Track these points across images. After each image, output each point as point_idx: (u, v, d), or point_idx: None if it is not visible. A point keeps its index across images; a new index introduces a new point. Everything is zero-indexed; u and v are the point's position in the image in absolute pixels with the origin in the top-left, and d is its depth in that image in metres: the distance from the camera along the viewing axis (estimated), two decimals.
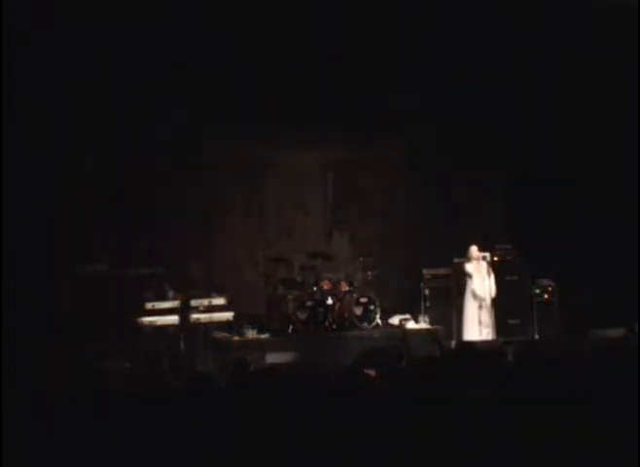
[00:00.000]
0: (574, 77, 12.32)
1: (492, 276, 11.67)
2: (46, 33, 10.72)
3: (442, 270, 12.54)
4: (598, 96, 12.18)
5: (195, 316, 10.93)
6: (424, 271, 12.60)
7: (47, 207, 11.13)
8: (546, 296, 12.54)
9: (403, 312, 12.25)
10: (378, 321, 11.93)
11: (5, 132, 10.58)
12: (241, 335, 11.27)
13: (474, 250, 11.69)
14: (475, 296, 11.60)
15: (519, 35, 12.20)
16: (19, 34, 10.38)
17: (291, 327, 11.56)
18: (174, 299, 11.06)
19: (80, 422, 4.97)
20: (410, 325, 12.10)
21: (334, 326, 11.70)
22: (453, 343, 11.16)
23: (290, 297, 11.82)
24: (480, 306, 11.57)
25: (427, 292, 12.45)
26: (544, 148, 12.81)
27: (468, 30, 11.93)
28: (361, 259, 12.42)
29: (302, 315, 11.59)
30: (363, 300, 11.88)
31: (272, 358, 10.49)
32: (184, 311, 10.89)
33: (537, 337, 12.13)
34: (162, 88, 11.62)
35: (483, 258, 11.66)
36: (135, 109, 11.65)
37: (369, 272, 12.27)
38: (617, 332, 9.58)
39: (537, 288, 12.54)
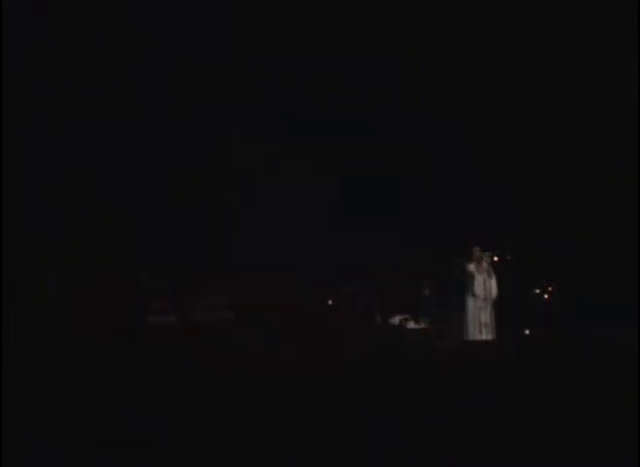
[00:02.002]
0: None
1: (494, 277, 11.65)
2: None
3: (443, 270, 12.53)
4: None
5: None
6: (425, 271, 12.59)
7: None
8: (546, 296, 12.54)
9: (403, 312, 12.25)
10: (378, 321, 11.92)
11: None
12: None
13: (476, 251, 11.68)
14: (476, 296, 11.59)
15: None
16: None
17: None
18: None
19: None
20: (411, 325, 12.09)
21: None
22: (454, 343, 11.14)
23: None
24: (481, 307, 11.56)
25: (427, 292, 12.45)
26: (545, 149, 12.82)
27: None
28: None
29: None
30: (363, 299, 11.89)
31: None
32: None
33: (537, 336, 12.11)
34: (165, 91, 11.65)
35: (485, 258, 11.64)
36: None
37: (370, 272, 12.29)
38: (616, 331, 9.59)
39: (537, 288, 12.54)
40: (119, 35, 11.13)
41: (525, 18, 12.22)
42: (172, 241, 12.09)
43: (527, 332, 12.11)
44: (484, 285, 11.48)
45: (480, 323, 11.47)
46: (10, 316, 9.94)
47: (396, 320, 12.23)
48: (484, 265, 11.65)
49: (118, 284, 11.11)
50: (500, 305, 11.76)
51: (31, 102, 10.92)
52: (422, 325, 12.17)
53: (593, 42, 12.12)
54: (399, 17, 11.91)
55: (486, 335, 11.38)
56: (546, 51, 12.43)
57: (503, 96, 12.77)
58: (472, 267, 11.67)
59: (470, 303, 11.64)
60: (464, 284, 11.78)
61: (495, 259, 12.05)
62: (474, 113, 12.94)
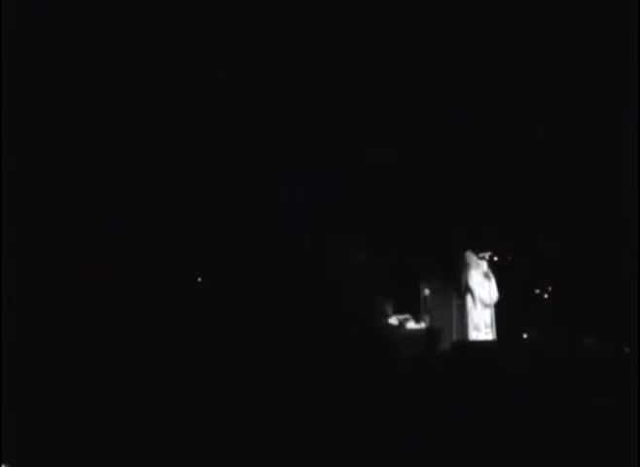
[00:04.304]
0: None
1: (493, 279, 11.66)
2: None
3: (441, 270, 12.54)
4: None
5: None
6: (424, 271, 12.60)
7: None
8: (546, 296, 12.56)
9: (402, 312, 12.26)
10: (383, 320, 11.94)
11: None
12: None
13: (469, 254, 11.70)
14: (475, 296, 11.61)
15: None
16: None
17: None
18: None
19: None
20: (410, 325, 12.10)
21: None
22: (454, 344, 11.15)
23: None
24: (481, 307, 11.58)
25: (427, 292, 12.46)
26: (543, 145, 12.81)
27: None
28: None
29: None
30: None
31: None
32: None
33: (537, 337, 12.12)
34: None
35: (482, 258, 11.67)
36: None
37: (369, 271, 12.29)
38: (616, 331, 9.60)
39: (537, 288, 12.56)
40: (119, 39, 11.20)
41: (523, 17, 12.24)
42: (172, 241, 12.11)
43: (526, 335, 12.14)
44: (484, 286, 11.51)
45: (479, 324, 11.50)
46: (9, 316, 9.96)
47: (395, 320, 12.25)
48: (483, 265, 11.68)
49: (118, 284, 11.12)
50: (500, 306, 11.79)
51: (31, 102, 10.95)
52: (422, 325, 12.19)
53: (592, 42, 12.12)
54: (394, 17, 11.95)
55: (486, 335, 11.41)
56: (542, 50, 12.44)
57: (504, 92, 12.75)
58: (472, 267, 11.70)
59: (470, 303, 11.67)
60: (464, 285, 11.81)
61: (495, 259, 12.07)
62: (471, 108, 12.93)
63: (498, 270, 11.99)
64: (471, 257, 11.72)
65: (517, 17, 12.05)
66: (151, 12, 11.30)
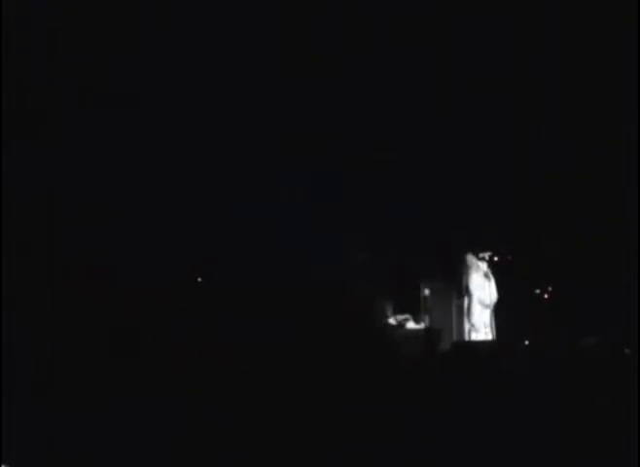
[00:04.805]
0: None
1: (493, 280, 11.66)
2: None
3: (441, 270, 12.54)
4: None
5: None
6: (424, 271, 12.61)
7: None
8: (546, 296, 12.55)
9: (402, 312, 12.26)
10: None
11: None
12: None
13: (469, 257, 11.70)
14: (475, 297, 11.60)
15: None
16: None
17: None
18: None
19: None
20: (410, 325, 12.11)
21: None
22: (453, 344, 11.15)
23: None
24: (481, 308, 11.57)
25: (427, 292, 12.47)
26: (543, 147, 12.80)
27: None
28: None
29: None
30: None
31: None
32: None
33: (537, 337, 12.11)
34: None
35: (482, 259, 11.66)
36: None
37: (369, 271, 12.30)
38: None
39: (537, 288, 12.55)
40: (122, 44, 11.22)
41: (523, 17, 12.24)
42: (172, 241, 12.11)
43: (526, 335, 12.13)
44: (484, 287, 11.50)
45: (479, 324, 11.50)
46: (9, 316, 9.95)
47: (395, 320, 12.25)
48: (483, 266, 11.68)
49: (117, 284, 11.12)
50: (500, 306, 11.78)
51: (31, 102, 10.96)
52: (422, 325, 12.19)
53: (592, 43, 12.11)
54: (392, 18, 11.96)
55: (485, 336, 11.41)
56: (542, 50, 12.43)
57: (504, 92, 12.75)
58: (472, 270, 11.69)
59: (468, 303, 11.67)
60: (464, 287, 11.81)
61: (495, 259, 12.06)
62: (471, 108, 12.92)
63: (498, 271, 11.98)
64: (471, 260, 11.72)
65: (517, 17, 12.04)
66: (151, 12, 11.31)
